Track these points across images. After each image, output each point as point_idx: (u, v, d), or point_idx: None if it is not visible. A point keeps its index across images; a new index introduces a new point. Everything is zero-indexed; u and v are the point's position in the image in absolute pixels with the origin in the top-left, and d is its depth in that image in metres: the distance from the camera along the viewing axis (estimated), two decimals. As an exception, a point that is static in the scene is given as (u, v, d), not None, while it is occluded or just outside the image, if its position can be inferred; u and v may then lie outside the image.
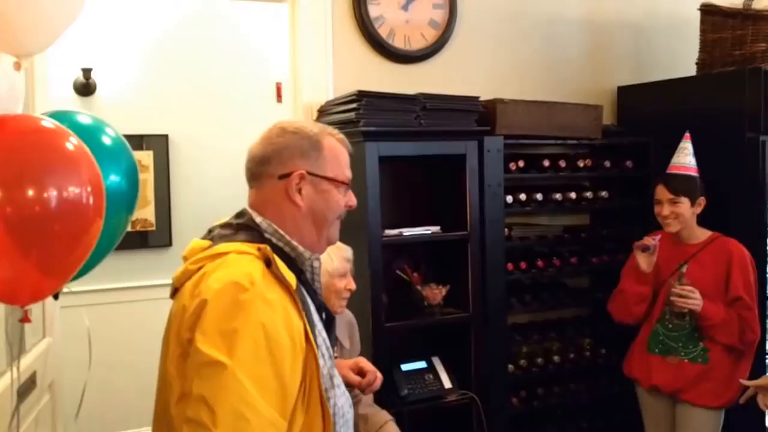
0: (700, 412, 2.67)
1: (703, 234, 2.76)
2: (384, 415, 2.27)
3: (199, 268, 1.31)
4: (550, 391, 3.00)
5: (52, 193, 1.32)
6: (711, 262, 2.70)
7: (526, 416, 2.98)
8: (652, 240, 2.69)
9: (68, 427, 3.12)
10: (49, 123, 1.43)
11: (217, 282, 1.25)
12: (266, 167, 1.40)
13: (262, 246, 1.32)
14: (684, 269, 2.65)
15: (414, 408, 2.58)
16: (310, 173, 1.39)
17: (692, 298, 2.58)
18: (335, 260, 2.14)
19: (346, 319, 2.34)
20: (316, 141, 1.41)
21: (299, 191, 1.39)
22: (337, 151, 1.44)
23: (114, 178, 1.73)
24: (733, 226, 2.82)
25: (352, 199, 1.47)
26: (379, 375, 1.90)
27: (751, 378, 2.65)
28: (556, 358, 2.99)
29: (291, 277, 1.31)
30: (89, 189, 1.39)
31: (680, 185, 2.69)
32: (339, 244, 2.14)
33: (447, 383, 2.73)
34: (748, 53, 2.98)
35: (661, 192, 2.71)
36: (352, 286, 2.19)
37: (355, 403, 2.28)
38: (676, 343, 2.71)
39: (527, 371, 2.95)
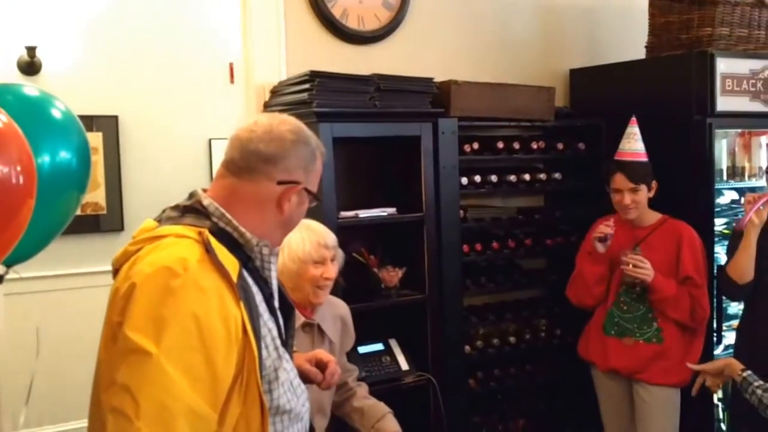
0: (657, 391, 2.73)
1: (654, 217, 2.82)
2: (382, 408, 2.21)
3: (139, 250, 1.28)
4: (507, 372, 3.03)
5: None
6: (662, 244, 2.75)
7: (482, 397, 3.01)
8: (609, 229, 2.71)
9: (16, 417, 3.05)
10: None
11: (149, 266, 1.22)
12: (269, 167, 1.36)
13: (202, 230, 1.28)
14: (638, 251, 2.70)
15: (371, 390, 2.58)
16: (306, 189, 1.40)
17: (643, 268, 2.64)
18: (307, 245, 2.02)
19: (336, 312, 2.24)
20: (314, 156, 1.42)
21: (289, 200, 1.38)
22: (320, 168, 1.45)
23: (64, 155, 1.66)
24: (683, 208, 2.87)
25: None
26: (337, 369, 1.77)
27: (702, 358, 2.74)
28: (512, 339, 3.03)
29: (232, 264, 1.28)
30: (18, 168, 1.33)
31: (639, 174, 2.72)
32: (317, 229, 2.06)
33: (404, 365, 2.74)
34: (694, 37, 3.03)
35: (621, 181, 2.72)
36: (330, 274, 2.06)
37: (350, 396, 2.24)
38: (631, 324, 2.76)
39: (484, 352, 2.97)
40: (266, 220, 1.37)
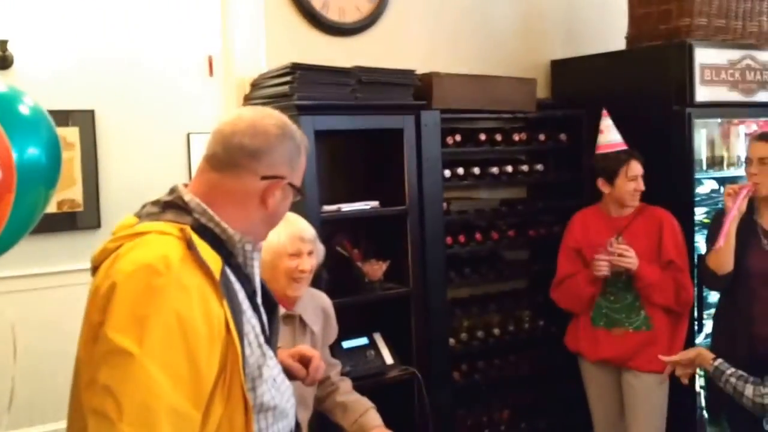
0: (646, 378, 2.75)
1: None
2: (365, 403, 2.19)
3: (119, 247, 1.25)
4: (491, 364, 3.04)
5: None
6: (643, 231, 2.78)
7: (467, 389, 3.01)
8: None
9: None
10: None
11: (130, 264, 1.19)
12: (253, 162, 1.32)
13: (184, 226, 1.25)
14: (620, 240, 2.72)
15: (356, 385, 2.56)
16: (290, 184, 1.37)
17: (627, 257, 2.65)
18: (282, 236, 2.00)
19: (318, 303, 2.23)
20: (300, 149, 1.39)
21: (273, 196, 1.35)
22: (304, 162, 1.42)
23: (33, 151, 1.62)
24: (663, 198, 2.89)
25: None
26: (321, 364, 1.74)
27: (686, 345, 2.77)
28: (496, 330, 3.03)
29: (215, 261, 1.25)
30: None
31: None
32: (293, 221, 2.04)
33: (388, 359, 2.73)
34: (673, 28, 3.05)
35: (638, 167, 2.76)
36: (304, 266, 2.03)
37: (332, 392, 2.21)
38: (619, 314, 2.78)
39: (468, 345, 2.98)
40: (250, 216, 1.35)
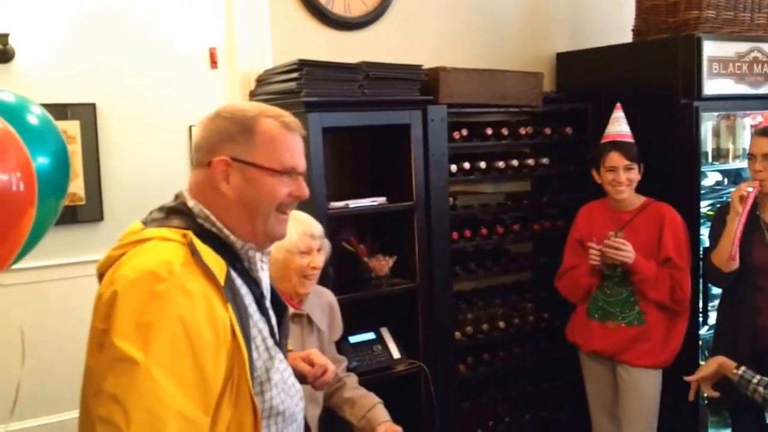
0: (638, 372, 2.77)
1: (638, 200, 2.83)
2: (372, 398, 2.20)
3: (123, 254, 1.25)
4: (496, 356, 3.06)
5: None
6: (644, 227, 2.78)
7: (472, 382, 3.03)
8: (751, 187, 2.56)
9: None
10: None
11: (132, 271, 1.18)
12: (198, 154, 1.33)
13: (187, 232, 1.25)
14: (619, 234, 2.72)
15: (363, 379, 2.57)
16: (235, 159, 1.28)
17: (623, 250, 2.65)
18: (294, 235, 2.00)
19: (324, 300, 2.24)
20: (247, 125, 1.30)
21: (226, 179, 1.29)
22: (274, 135, 1.31)
23: (43, 161, 1.60)
24: (669, 191, 2.90)
25: (299, 189, 1.36)
26: (331, 367, 1.77)
27: (686, 339, 2.78)
28: (501, 323, 3.04)
29: (219, 266, 1.24)
30: (18, 175, 1.27)
31: (632, 152, 2.74)
32: (302, 219, 2.05)
33: (395, 353, 2.74)
34: (681, 20, 3.03)
35: (617, 159, 2.73)
36: (316, 263, 2.05)
37: (339, 388, 2.22)
38: (613, 308, 2.79)
39: (473, 338, 2.99)
40: (220, 208, 1.31)
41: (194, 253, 1.22)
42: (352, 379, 2.30)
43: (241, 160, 1.29)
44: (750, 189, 2.54)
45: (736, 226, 2.56)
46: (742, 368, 2.14)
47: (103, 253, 1.31)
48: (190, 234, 1.24)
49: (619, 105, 2.85)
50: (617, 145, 2.75)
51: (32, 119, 1.65)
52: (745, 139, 3.25)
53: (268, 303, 1.40)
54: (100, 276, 1.29)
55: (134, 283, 1.16)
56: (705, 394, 2.31)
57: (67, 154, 1.73)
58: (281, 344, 1.43)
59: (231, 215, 1.32)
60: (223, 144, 1.31)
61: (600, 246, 2.69)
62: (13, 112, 1.53)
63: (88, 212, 3.85)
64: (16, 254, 1.36)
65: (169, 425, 1.10)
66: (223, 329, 1.20)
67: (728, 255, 2.59)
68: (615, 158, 2.73)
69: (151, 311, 1.14)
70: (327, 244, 2.15)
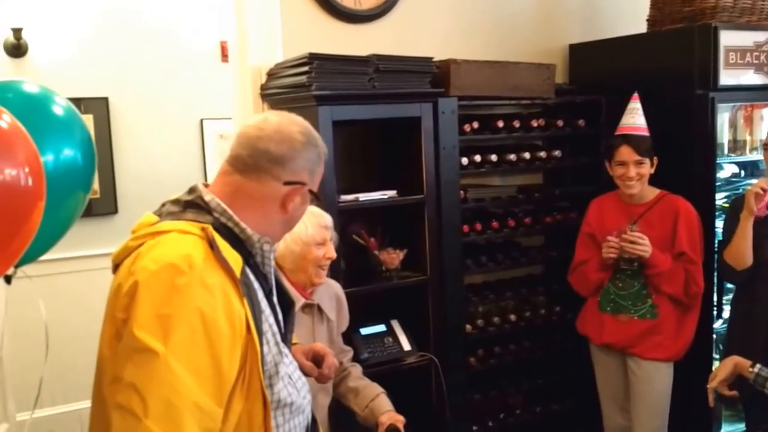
0: (649, 366, 2.76)
1: (652, 193, 2.80)
2: (375, 388, 2.23)
3: (140, 245, 1.27)
4: (507, 349, 3.05)
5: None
6: (659, 220, 2.75)
7: (483, 374, 3.03)
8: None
9: (21, 402, 3.04)
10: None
11: (153, 263, 1.20)
12: (277, 168, 1.35)
13: (206, 226, 1.27)
14: (635, 228, 2.70)
15: (374, 371, 2.58)
16: (309, 190, 1.40)
17: (641, 245, 2.63)
18: (310, 228, 2.06)
19: (332, 291, 2.28)
20: (320, 158, 1.41)
21: (293, 201, 1.38)
22: (323, 169, 1.45)
23: (68, 153, 1.61)
24: (684, 183, 2.86)
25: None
26: (334, 362, 1.83)
27: (699, 333, 2.76)
28: (512, 316, 3.03)
29: (236, 261, 1.27)
30: (27, 170, 1.28)
31: (644, 146, 2.70)
32: (315, 211, 2.09)
33: (406, 345, 2.75)
34: (697, 9, 2.98)
35: (627, 153, 2.70)
36: (332, 254, 2.12)
37: (344, 377, 2.27)
38: (625, 301, 2.78)
39: (484, 331, 2.98)
40: (269, 219, 1.37)
41: (213, 247, 1.24)
42: (357, 369, 2.34)
43: (312, 192, 1.41)
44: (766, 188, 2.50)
45: (749, 224, 2.53)
46: (758, 366, 2.13)
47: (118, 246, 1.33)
48: (210, 228, 1.27)
49: (636, 95, 2.81)
50: (628, 139, 2.72)
51: (57, 110, 1.66)
52: (763, 131, 3.21)
53: (275, 298, 1.44)
54: (116, 266, 1.32)
55: (155, 275, 1.18)
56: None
57: (92, 145, 1.74)
58: (286, 339, 1.47)
59: (273, 228, 1.39)
60: (305, 171, 1.38)
61: (618, 240, 2.67)
62: (38, 103, 1.54)
63: (102, 205, 3.91)
64: (34, 248, 1.37)
65: (185, 415, 1.14)
66: (239, 323, 1.23)
67: (741, 254, 2.56)
68: (625, 153, 2.70)
69: (172, 304, 1.16)
70: (335, 235, 2.20)
